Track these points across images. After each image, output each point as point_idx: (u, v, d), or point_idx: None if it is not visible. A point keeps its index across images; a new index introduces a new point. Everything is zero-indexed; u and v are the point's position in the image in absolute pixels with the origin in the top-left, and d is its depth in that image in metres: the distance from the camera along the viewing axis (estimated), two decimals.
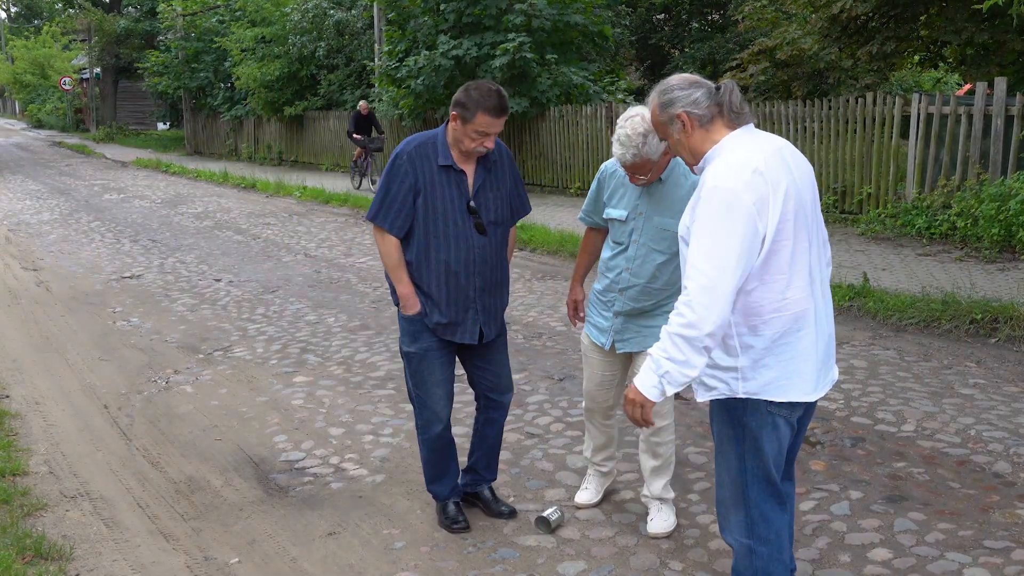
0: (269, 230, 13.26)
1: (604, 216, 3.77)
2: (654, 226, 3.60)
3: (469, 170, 3.69)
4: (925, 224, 9.81)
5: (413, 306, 3.73)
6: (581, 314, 4.06)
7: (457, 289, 3.70)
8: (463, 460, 4.26)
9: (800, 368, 2.74)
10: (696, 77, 2.83)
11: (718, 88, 2.77)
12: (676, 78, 2.84)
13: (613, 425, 4.12)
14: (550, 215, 13.18)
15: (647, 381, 2.66)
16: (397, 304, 3.81)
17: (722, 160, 2.67)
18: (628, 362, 3.89)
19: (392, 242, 3.70)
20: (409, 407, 5.49)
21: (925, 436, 4.85)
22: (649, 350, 2.67)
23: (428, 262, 3.69)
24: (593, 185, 3.87)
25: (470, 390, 4.19)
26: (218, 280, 9.68)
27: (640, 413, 2.71)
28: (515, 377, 5.96)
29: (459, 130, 3.58)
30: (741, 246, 2.57)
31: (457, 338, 3.77)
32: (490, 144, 3.58)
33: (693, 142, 2.76)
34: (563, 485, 4.42)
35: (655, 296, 3.67)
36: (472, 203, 3.67)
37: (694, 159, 2.78)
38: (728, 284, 2.57)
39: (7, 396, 6.05)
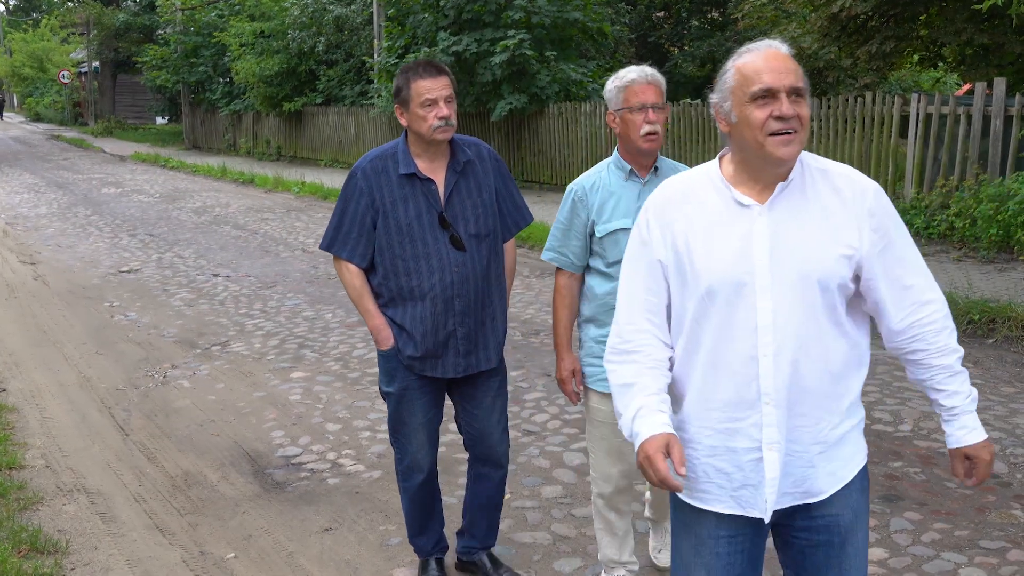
0: (267, 225, 13.25)
1: (601, 233, 3.11)
2: None
3: (438, 177, 3.21)
4: (923, 224, 9.81)
5: (386, 339, 3.27)
6: (580, 386, 3.31)
7: (434, 316, 3.20)
8: (453, 512, 3.91)
9: None
10: None
11: None
12: None
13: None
14: (549, 212, 13.15)
15: (980, 425, 2.20)
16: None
17: (833, 164, 2.21)
18: None
19: (353, 271, 3.26)
20: None
21: (922, 436, 4.86)
22: (956, 396, 2.18)
23: (399, 289, 3.22)
24: (563, 211, 3.22)
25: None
26: (216, 275, 9.67)
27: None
28: (512, 374, 5.95)
29: (410, 118, 3.15)
30: None
31: (438, 372, 3.28)
32: (446, 112, 3.10)
33: None
34: (560, 482, 4.42)
35: None
36: (444, 214, 3.20)
37: None
38: None
39: (4, 390, 6.04)
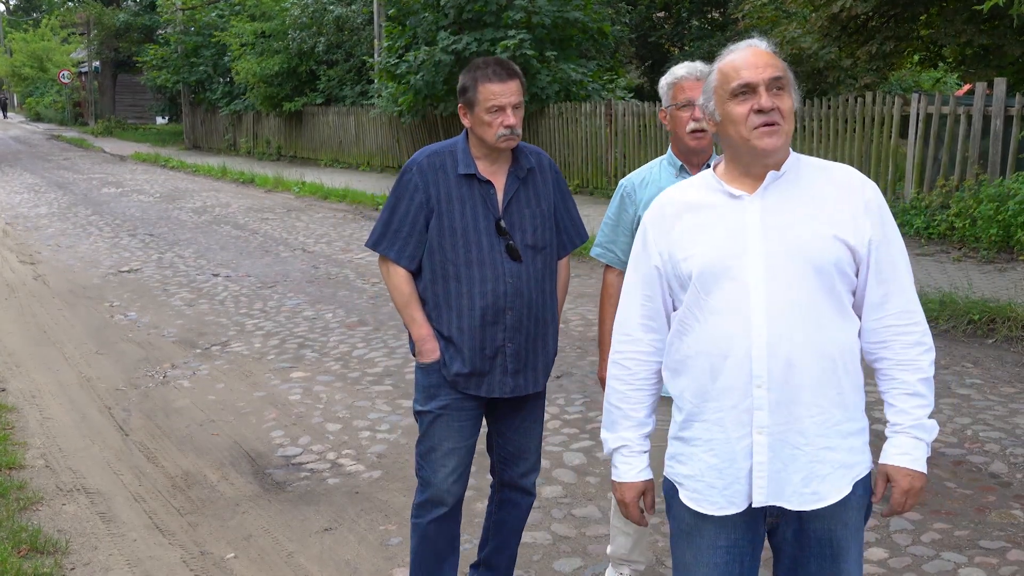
0: (267, 225, 13.25)
1: None
2: None
3: (498, 182, 3.00)
4: (923, 224, 9.81)
5: (431, 352, 3.01)
6: None
7: (483, 330, 2.97)
8: (470, 544, 3.64)
9: None
10: None
11: None
12: None
13: None
14: None
15: (920, 455, 2.12)
16: (414, 352, 3.10)
17: (832, 163, 2.23)
18: None
19: (401, 275, 3.03)
20: (406, 403, 5.49)
21: None
22: (902, 415, 2.12)
23: (447, 297, 2.98)
24: (612, 207, 3.19)
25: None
26: (216, 275, 9.67)
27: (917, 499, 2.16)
28: None
29: (474, 121, 2.93)
30: None
31: (483, 391, 3.02)
32: (513, 120, 2.89)
33: None
34: (560, 482, 4.42)
35: None
36: (502, 221, 2.99)
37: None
38: None
39: (3, 390, 6.04)
